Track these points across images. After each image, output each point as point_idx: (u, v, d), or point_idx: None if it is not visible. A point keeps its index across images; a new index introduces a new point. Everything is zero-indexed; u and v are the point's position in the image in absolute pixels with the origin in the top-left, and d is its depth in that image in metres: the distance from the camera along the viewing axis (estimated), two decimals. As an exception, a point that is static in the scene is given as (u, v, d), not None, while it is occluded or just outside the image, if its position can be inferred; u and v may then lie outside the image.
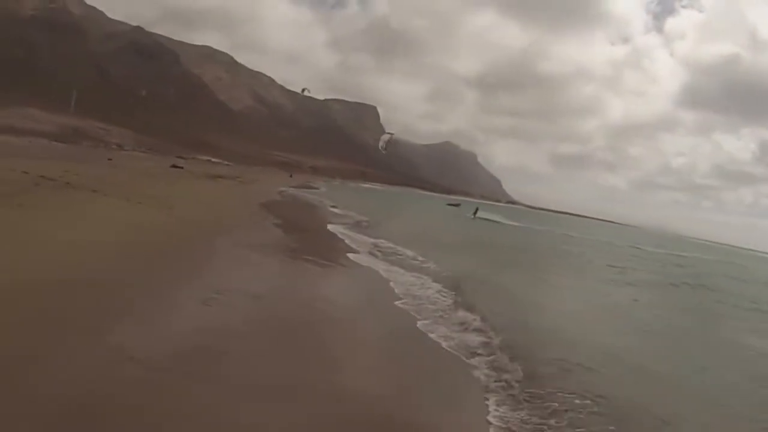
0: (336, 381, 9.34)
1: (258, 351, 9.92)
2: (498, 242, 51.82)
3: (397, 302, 16.77)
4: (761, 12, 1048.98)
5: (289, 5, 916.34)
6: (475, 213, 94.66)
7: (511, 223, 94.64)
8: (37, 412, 6.27)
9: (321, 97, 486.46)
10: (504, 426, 8.89)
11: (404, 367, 11.27)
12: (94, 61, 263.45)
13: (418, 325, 14.40)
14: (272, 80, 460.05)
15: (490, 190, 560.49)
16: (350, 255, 24.34)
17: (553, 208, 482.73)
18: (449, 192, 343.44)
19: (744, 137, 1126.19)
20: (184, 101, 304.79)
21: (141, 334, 9.34)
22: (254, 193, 54.73)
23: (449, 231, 56.33)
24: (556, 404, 10.00)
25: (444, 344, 13.02)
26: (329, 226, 35.23)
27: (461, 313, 16.09)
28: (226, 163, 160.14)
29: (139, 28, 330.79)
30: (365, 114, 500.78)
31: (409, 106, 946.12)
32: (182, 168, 78.05)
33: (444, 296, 18.56)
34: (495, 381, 10.84)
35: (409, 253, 27.73)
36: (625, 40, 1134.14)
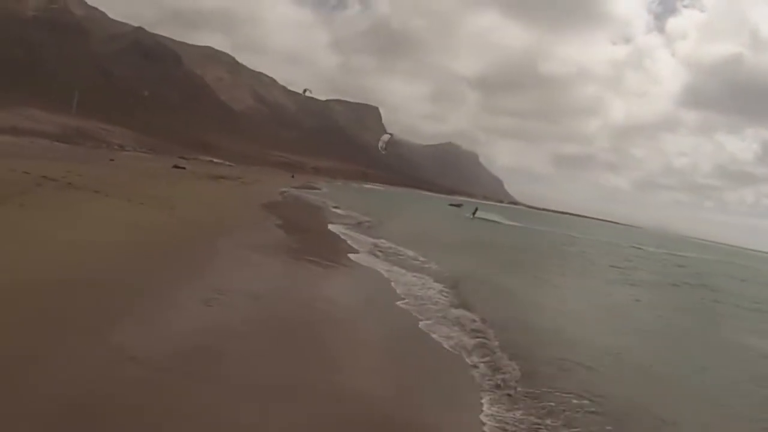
0: (337, 381, 9.34)
1: (259, 351, 9.92)
2: (499, 242, 51.85)
3: (398, 302, 16.77)
4: (763, 11, 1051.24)
5: (291, 6, 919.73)
6: (473, 213, 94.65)
7: (511, 223, 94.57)
8: (36, 411, 6.27)
9: (323, 98, 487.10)
10: (499, 425, 8.87)
11: (405, 367, 11.27)
12: (96, 61, 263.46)
13: (420, 326, 14.39)
14: (274, 81, 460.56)
15: (492, 191, 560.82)
16: (352, 255, 24.35)
17: (555, 209, 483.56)
18: (451, 192, 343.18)
19: (746, 137, 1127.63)
20: (185, 102, 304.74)
21: (142, 334, 9.34)
22: (256, 193, 54.72)
23: (450, 231, 56.46)
24: (553, 403, 10.00)
25: (445, 344, 13.02)
26: (331, 227, 35.23)
27: (462, 313, 16.07)
28: (227, 163, 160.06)
29: (141, 29, 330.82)
30: (367, 115, 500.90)
31: (411, 107, 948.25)
32: (184, 168, 78.13)
33: (445, 296, 18.56)
34: (494, 381, 10.83)
35: (410, 253, 27.76)
36: (627, 40, 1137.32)
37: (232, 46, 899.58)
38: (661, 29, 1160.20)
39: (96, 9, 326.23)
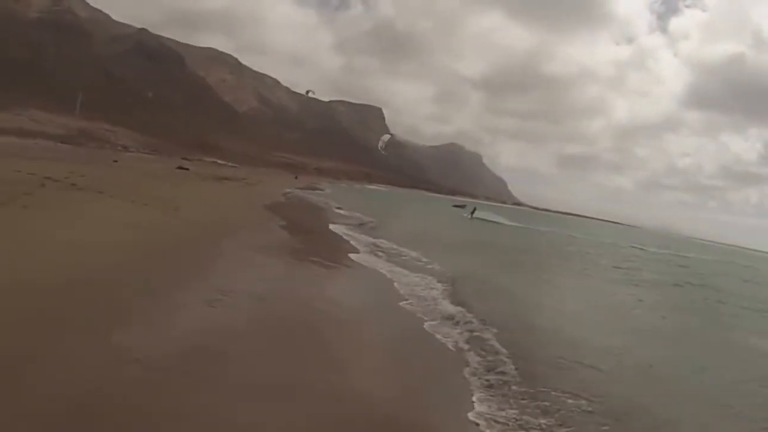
0: (339, 382, 9.34)
1: (262, 352, 9.91)
2: (500, 243, 51.77)
3: (401, 303, 16.79)
4: (765, 11, 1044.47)
5: (293, 7, 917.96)
6: (472, 213, 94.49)
7: (512, 224, 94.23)
8: (36, 411, 6.27)
9: (326, 99, 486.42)
10: (491, 424, 8.89)
11: (407, 367, 11.25)
12: (99, 62, 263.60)
13: (424, 327, 14.39)
14: (277, 82, 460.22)
15: (496, 192, 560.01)
16: (354, 256, 24.38)
17: (558, 210, 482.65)
18: (455, 193, 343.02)
19: (750, 137, 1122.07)
20: (189, 103, 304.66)
21: (144, 335, 9.33)
22: (259, 194, 54.76)
23: (452, 232, 56.49)
24: (548, 403, 9.96)
25: (446, 344, 13.01)
26: (334, 228, 35.26)
27: (463, 314, 16.00)
28: (231, 164, 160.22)
29: (144, 30, 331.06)
30: (370, 116, 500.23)
31: (415, 108, 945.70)
32: (188, 170, 78.26)
33: (447, 296, 18.52)
34: (492, 380, 10.79)
35: (413, 254, 27.76)
36: (630, 40, 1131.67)
37: (235, 47, 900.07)
38: (663, 29, 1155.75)
39: (99, 11, 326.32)
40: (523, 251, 46.82)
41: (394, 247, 29.65)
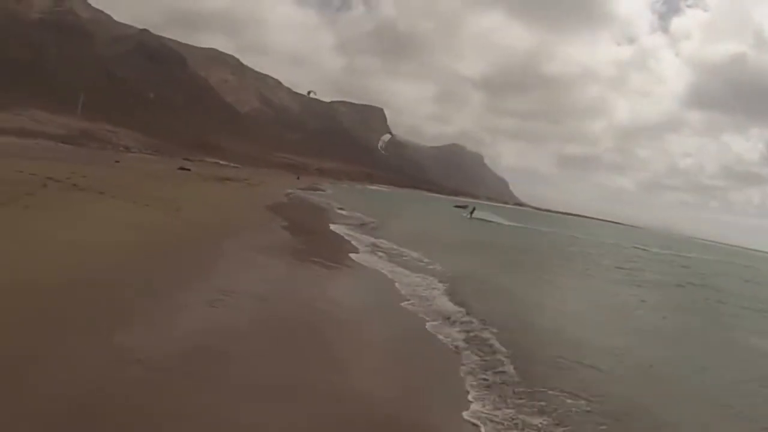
0: (341, 382, 9.34)
1: (264, 352, 9.92)
2: (501, 243, 51.81)
3: (403, 303, 16.81)
4: (766, 11, 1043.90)
5: (295, 8, 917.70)
6: (471, 213, 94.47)
7: (513, 224, 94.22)
8: (37, 411, 6.27)
9: (327, 99, 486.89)
10: (487, 423, 8.91)
11: (409, 367, 11.27)
12: (100, 63, 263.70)
13: (426, 327, 14.39)
14: (278, 82, 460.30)
15: (497, 192, 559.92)
16: (356, 256, 24.41)
17: (560, 210, 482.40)
18: (456, 194, 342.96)
19: (751, 137, 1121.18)
20: (191, 103, 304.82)
21: (147, 335, 9.34)
22: (261, 195, 54.78)
23: (454, 232, 56.64)
24: (546, 402, 9.94)
25: (447, 344, 13.04)
26: (336, 228, 35.28)
27: (464, 314, 16.05)
28: (233, 165, 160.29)
29: (145, 31, 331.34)
30: (372, 116, 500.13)
31: (416, 108, 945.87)
32: (189, 170, 78.31)
33: (448, 296, 18.52)
34: (490, 380, 10.81)
35: (414, 254, 27.78)
36: (631, 40, 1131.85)
37: (237, 48, 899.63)
38: (665, 29, 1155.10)
39: (101, 11, 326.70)
40: (523, 251, 46.87)
41: (395, 247, 29.70)
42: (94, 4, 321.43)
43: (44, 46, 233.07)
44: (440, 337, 13.68)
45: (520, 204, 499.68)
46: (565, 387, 10.88)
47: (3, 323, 8.38)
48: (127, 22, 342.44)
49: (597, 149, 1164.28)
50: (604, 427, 9.45)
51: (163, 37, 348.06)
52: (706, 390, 13.52)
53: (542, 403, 9.91)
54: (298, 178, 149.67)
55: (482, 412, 9.23)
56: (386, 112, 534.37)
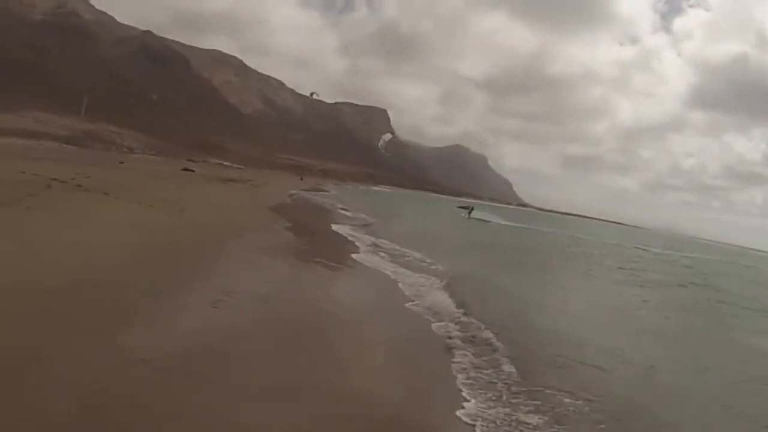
0: (343, 383, 9.39)
1: (267, 353, 9.94)
2: (504, 244, 52.01)
3: (406, 304, 16.87)
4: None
5: (298, 9, 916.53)
6: (469, 213, 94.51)
7: (517, 225, 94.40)
8: (41, 412, 6.30)
9: (331, 101, 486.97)
10: (481, 422, 8.94)
11: (410, 367, 11.28)
12: (104, 65, 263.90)
13: (430, 327, 14.46)
14: (282, 84, 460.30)
15: (501, 193, 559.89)
16: (359, 257, 24.46)
17: (563, 211, 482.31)
18: (459, 195, 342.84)
19: (754, 137, 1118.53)
20: (194, 105, 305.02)
21: (151, 336, 9.36)
22: (265, 196, 54.81)
23: (456, 233, 56.86)
24: (545, 402, 9.98)
25: (447, 344, 13.08)
26: (339, 229, 35.33)
27: (466, 314, 16.08)
28: (237, 166, 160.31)
29: (148, 33, 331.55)
30: (375, 117, 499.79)
31: (419, 109, 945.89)
32: (193, 171, 78.41)
33: (450, 297, 18.56)
34: (489, 379, 10.84)
35: (417, 254, 27.87)
36: (633, 40, 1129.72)
37: (240, 49, 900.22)
38: (667, 29, 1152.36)
39: (104, 13, 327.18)
40: (524, 252, 47.04)
41: (398, 248, 29.80)
42: (97, 6, 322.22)
43: (47, 48, 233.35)
44: (441, 335, 13.75)
45: (523, 205, 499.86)
46: (565, 386, 10.91)
47: (7, 324, 8.40)
48: (130, 24, 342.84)
49: (600, 150, 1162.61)
50: (602, 426, 9.47)
51: (167, 39, 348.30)
52: (707, 390, 13.54)
53: (538, 402, 9.95)
54: (301, 179, 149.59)
55: (478, 411, 9.26)
56: (389, 113, 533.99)
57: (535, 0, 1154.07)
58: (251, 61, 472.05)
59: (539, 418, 9.28)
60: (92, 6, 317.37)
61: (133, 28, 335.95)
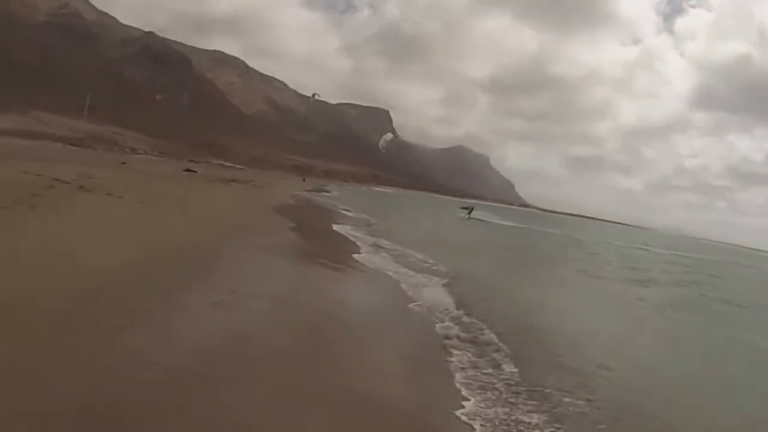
0: (347, 383, 9.41)
1: (268, 354, 9.91)
2: (506, 245, 52.27)
3: (409, 304, 16.89)
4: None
5: (301, 10, 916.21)
6: (468, 213, 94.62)
7: (519, 226, 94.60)
8: (46, 413, 6.27)
9: (334, 101, 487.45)
10: (485, 422, 8.92)
11: (412, 367, 11.28)
12: (107, 65, 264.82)
13: (434, 328, 14.49)
14: (285, 84, 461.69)
15: (504, 194, 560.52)
16: (362, 258, 24.49)
17: (566, 211, 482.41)
18: (462, 196, 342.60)
19: (757, 137, 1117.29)
20: (197, 106, 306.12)
21: (153, 337, 9.31)
22: (268, 196, 54.94)
23: (458, 233, 57.40)
24: (546, 402, 9.98)
25: (449, 344, 13.09)
26: (342, 230, 35.41)
27: (468, 314, 16.09)
28: (239, 166, 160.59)
29: (151, 34, 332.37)
30: (378, 118, 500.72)
31: (422, 110, 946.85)
32: (196, 172, 78.58)
33: (452, 297, 18.61)
34: (489, 379, 10.87)
35: (419, 255, 27.93)
36: (636, 41, 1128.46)
37: (243, 50, 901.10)
38: (669, 30, 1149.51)
39: (106, 14, 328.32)
40: (527, 253, 47.28)
41: (401, 248, 29.90)
42: (99, 7, 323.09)
43: (50, 49, 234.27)
44: (443, 335, 13.78)
45: (526, 205, 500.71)
46: (564, 386, 10.95)
47: (14, 326, 8.40)
48: (132, 25, 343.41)
49: (603, 150, 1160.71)
50: (602, 426, 9.47)
51: (169, 40, 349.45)
52: (707, 389, 13.63)
53: (539, 402, 9.98)
54: (303, 180, 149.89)
55: (478, 411, 9.27)
56: (392, 114, 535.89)
57: (537, 1, 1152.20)
58: (254, 62, 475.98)
59: (538, 417, 9.30)
60: (94, 7, 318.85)
61: (136, 29, 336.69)
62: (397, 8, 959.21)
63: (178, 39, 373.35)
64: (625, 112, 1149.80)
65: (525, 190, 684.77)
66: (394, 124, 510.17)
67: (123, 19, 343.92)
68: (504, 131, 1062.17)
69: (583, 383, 11.33)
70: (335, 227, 36.71)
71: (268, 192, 63.60)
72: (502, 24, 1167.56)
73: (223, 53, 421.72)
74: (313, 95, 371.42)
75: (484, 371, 11.30)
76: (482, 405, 9.52)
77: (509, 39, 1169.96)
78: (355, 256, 24.78)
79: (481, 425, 8.75)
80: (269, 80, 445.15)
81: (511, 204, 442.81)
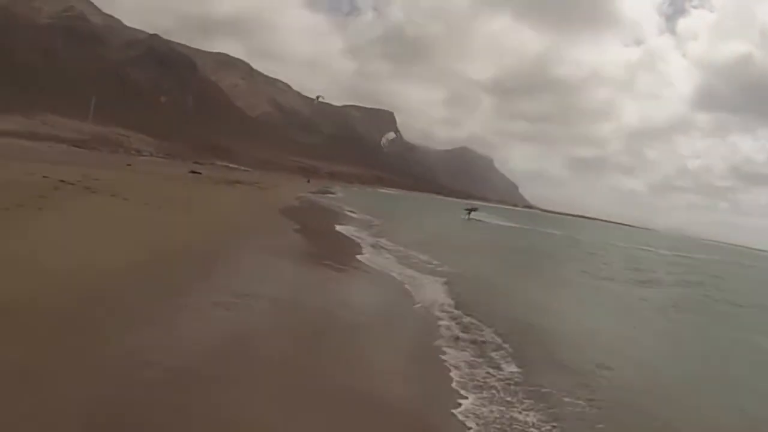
0: (347, 383, 9.49)
1: (270, 354, 10.00)
2: (508, 245, 52.30)
3: (412, 305, 16.99)
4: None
5: (305, 12, 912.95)
6: (468, 214, 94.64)
7: (522, 227, 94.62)
8: (50, 414, 6.34)
9: (338, 103, 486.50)
10: (476, 421, 8.98)
11: (414, 367, 11.33)
12: (112, 68, 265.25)
13: (437, 329, 14.52)
14: (289, 86, 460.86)
15: (507, 195, 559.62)
16: (366, 259, 24.59)
17: (570, 212, 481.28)
18: (466, 197, 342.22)
19: (760, 137, 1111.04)
20: (201, 108, 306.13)
21: (158, 338, 9.39)
22: (272, 198, 55.02)
23: (462, 234, 57.69)
24: (547, 403, 10.03)
25: (452, 344, 13.15)
26: (346, 231, 35.54)
27: (468, 314, 16.17)
28: (243, 168, 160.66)
29: (156, 36, 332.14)
30: (382, 120, 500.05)
31: (426, 112, 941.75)
32: (200, 173, 78.72)
33: (454, 298, 18.65)
34: (490, 378, 10.94)
35: (423, 256, 28.04)
36: (638, 42, 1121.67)
37: (247, 52, 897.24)
38: (672, 31, 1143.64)
39: (111, 16, 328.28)
40: (529, 254, 47.41)
41: (404, 249, 30.03)
42: (104, 10, 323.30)
43: (54, 51, 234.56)
44: (445, 335, 13.82)
45: (530, 206, 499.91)
46: (564, 386, 11.01)
47: (18, 326, 8.49)
48: (137, 27, 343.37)
49: (606, 151, 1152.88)
50: (602, 426, 9.50)
51: (174, 42, 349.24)
52: (708, 388, 13.68)
53: (537, 401, 10.03)
54: (308, 182, 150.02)
55: (475, 410, 9.34)
56: (397, 115, 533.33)
57: (540, 2, 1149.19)
58: (258, 64, 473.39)
59: (534, 416, 9.38)
60: (99, 9, 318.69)
61: (140, 32, 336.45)
62: (400, 11, 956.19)
63: (183, 41, 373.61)
64: (628, 113, 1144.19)
65: (529, 192, 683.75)
66: (398, 126, 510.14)
67: (127, 22, 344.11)
68: (507, 133, 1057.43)
69: (583, 383, 11.40)
70: (340, 228, 36.86)
71: (273, 194, 63.68)
72: (505, 26, 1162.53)
73: (227, 55, 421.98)
74: (318, 97, 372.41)
75: (484, 371, 11.36)
76: (479, 404, 9.58)
77: (512, 41, 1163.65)
78: (358, 257, 24.88)
79: (477, 424, 8.81)
80: (273, 82, 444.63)
81: (515, 205, 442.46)
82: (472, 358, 12.15)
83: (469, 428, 8.69)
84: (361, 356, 11.22)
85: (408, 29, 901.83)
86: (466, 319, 15.61)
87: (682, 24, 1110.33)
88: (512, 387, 10.57)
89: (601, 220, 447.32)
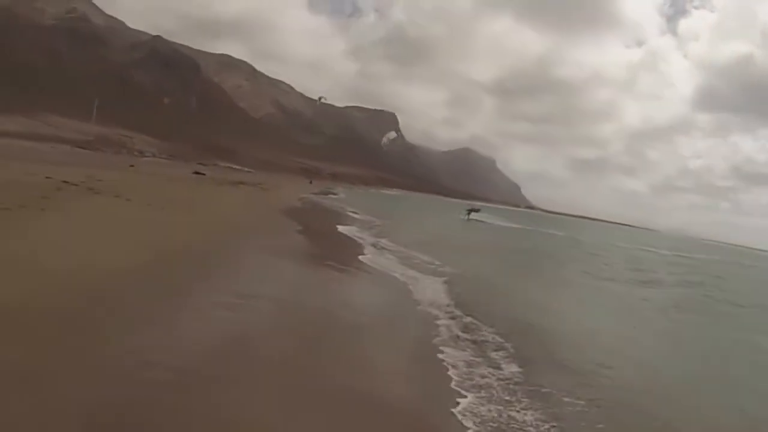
0: (348, 383, 9.52)
1: (271, 354, 10.03)
2: (509, 246, 52.42)
3: (414, 306, 17.02)
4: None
5: (307, 14, 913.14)
6: (468, 214, 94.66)
7: (524, 227, 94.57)
8: (51, 414, 6.37)
9: (341, 105, 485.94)
10: (482, 420, 9.02)
11: (416, 366, 11.37)
12: (115, 69, 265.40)
13: (438, 329, 14.55)
14: (292, 88, 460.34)
15: (510, 196, 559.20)
16: (369, 260, 24.61)
17: (572, 213, 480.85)
18: (468, 198, 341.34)
19: (761, 137, 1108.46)
20: (204, 109, 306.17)
21: (161, 339, 9.43)
22: (275, 199, 55.02)
23: (463, 234, 57.63)
24: (548, 403, 10.06)
25: (453, 344, 13.19)
26: (349, 232, 35.59)
27: (471, 316, 16.21)
28: (246, 169, 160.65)
29: (159, 38, 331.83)
30: (385, 121, 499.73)
31: (428, 113, 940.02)
32: (204, 174, 78.79)
33: (455, 298, 18.68)
34: (490, 378, 10.98)
35: (425, 257, 28.13)
36: (640, 43, 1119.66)
37: (250, 54, 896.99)
38: (673, 31, 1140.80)
39: (114, 18, 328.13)
40: (530, 254, 47.49)
41: (405, 250, 30.14)
42: (107, 11, 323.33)
43: (58, 52, 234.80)
44: (446, 335, 13.84)
45: (532, 207, 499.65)
46: (564, 385, 11.05)
47: (19, 326, 8.53)
48: (140, 29, 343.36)
49: (608, 152, 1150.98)
50: (601, 426, 9.52)
51: (177, 44, 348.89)
52: (708, 388, 13.69)
53: (536, 401, 10.06)
54: (311, 183, 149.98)
55: (474, 409, 9.37)
56: (399, 116, 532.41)
57: (542, 3, 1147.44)
58: (261, 66, 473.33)
59: (534, 416, 9.41)
60: (102, 11, 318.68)
61: (144, 33, 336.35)
62: (402, 12, 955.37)
63: (186, 43, 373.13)
64: (629, 113, 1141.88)
65: (531, 192, 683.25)
66: (401, 127, 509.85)
67: (131, 23, 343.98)
68: (509, 134, 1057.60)
69: (583, 383, 11.43)
70: (342, 229, 36.91)
71: (276, 195, 63.70)
72: (506, 27, 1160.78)
73: (230, 57, 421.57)
74: (320, 98, 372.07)
75: (483, 370, 11.39)
76: (478, 403, 9.61)
77: (513, 42, 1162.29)
78: (360, 257, 24.92)
79: (474, 423, 8.85)
80: (276, 83, 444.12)
81: (517, 206, 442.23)
82: (472, 358, 12.18)
83: (467, 428, 8.70)
84: (362, 356, 11.25)
85: (410, 30, 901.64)
86: (467, 319, 15.67)
87: (683, 25, 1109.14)
88: (512, 386, 10.61)
89: (603, 220, 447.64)
